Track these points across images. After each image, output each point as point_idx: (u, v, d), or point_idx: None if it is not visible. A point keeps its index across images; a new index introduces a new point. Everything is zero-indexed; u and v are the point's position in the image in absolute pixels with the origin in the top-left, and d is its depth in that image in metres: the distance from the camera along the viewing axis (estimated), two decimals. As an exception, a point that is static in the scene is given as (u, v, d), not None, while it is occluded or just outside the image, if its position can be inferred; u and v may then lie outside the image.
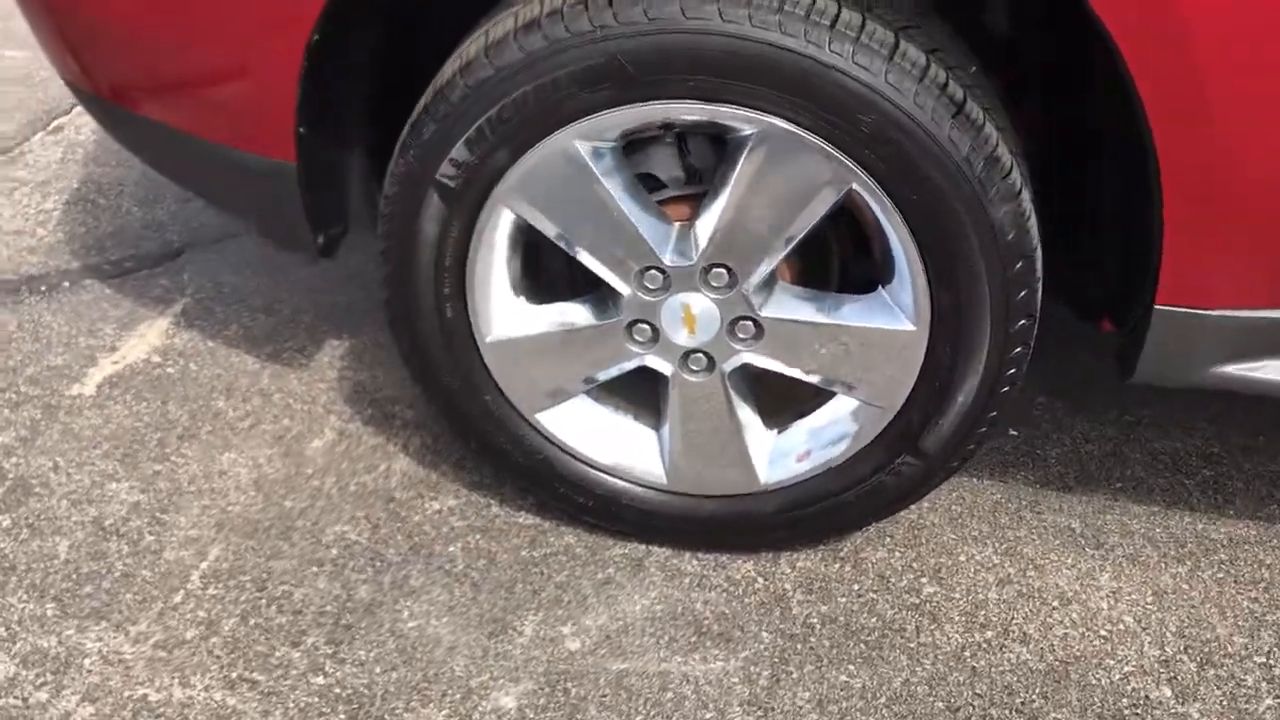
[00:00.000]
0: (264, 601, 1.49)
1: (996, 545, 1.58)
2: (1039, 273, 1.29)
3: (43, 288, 2.04)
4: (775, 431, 1.49)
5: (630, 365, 1.43)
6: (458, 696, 1.38)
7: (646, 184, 1.38)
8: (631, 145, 1.35)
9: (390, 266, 1.39)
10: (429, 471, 1.69)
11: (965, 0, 1.34)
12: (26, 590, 1.50)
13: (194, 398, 1.81)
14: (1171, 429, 1.77)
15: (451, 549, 1.57)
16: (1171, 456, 1.72)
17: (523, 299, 1.43)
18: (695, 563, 1.55)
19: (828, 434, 1.46)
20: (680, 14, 1.17)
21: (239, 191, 1.52)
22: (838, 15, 1.17)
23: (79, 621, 1.46)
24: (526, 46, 1.22)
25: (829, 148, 1.21)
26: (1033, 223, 1.26)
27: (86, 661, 1.41)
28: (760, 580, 1.53)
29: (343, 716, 1.35)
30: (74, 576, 1.52)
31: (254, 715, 1.35)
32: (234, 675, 1.40)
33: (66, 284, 2.05)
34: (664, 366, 1.43)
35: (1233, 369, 1.33)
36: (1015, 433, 1.76)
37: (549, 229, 1.34)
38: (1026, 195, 1.25)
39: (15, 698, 1.37)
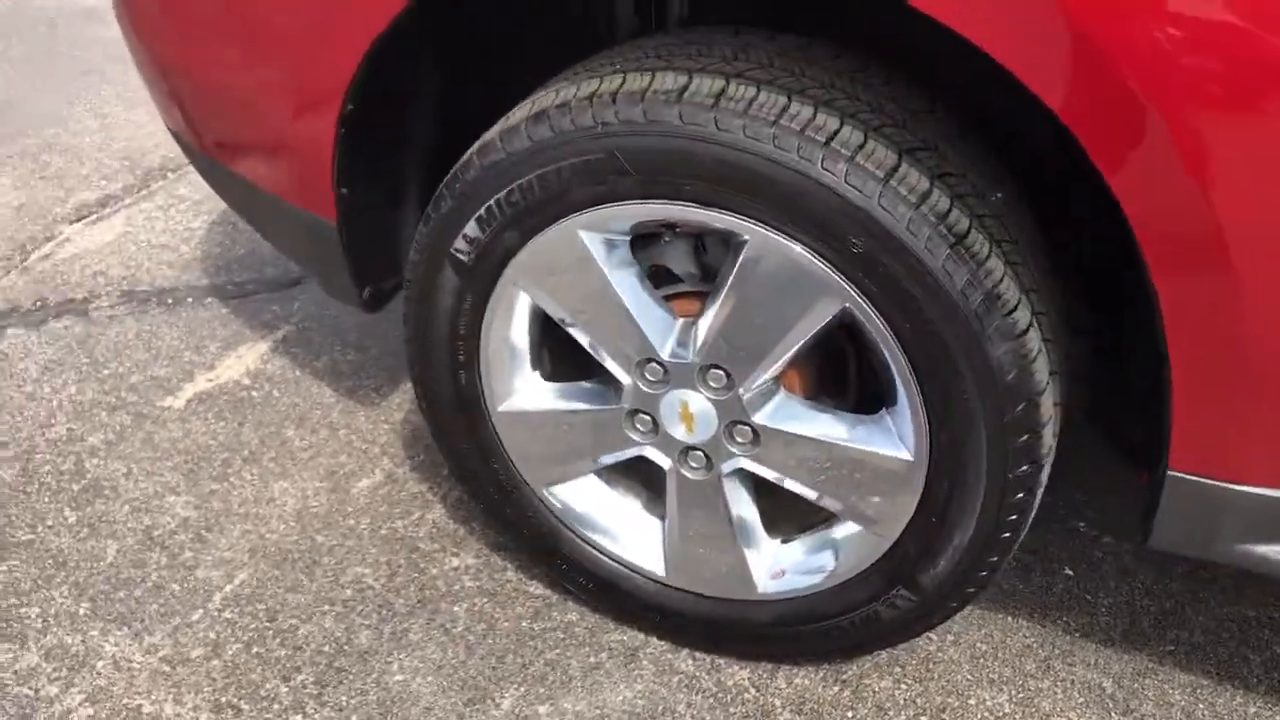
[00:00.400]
0: (270, 632, 1.56)
1: (1013, 693, 1.48)
2: (1046, 417, 1.20)
3: (169, 300, 2.20)
4: (779, 540, 1.44)
5: (630, 453, 1.42)
6: (417, 759, 1.40)
7: (665, 276, 1.37)
8: (651, 237, 1.35)
9: (410, 329, 1.43)
10: (458, 526, 1.72)
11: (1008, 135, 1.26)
12: (70, 587, 1.61)
13: (267, 423, 1.90)
14: (1246, 592, 1.61)
15: (457, 608, 1.59)
16: (1239, 624, 1.57)
17: (537, 374, 1.44)
18: (690, 662, 1.52)
19: (826, 552, 1.40)
20: (678, 119, 1.16)
21: (295, 242, 1.60)
22: (836, 132, 1.13)
23: (104, 624, 1.56)
24: (534, 135, 1.23)
25: (822, 264, 1.17)
26: (1040, 364, 1.17)
27: (99, 664, 1.51)
28: (752, 691, 1.48)
29: (305, 759, 1.39)
30: (113, 580, 1.62)
31: (226, 743, 1.41)
32: (223, 700, 1.47)
33: (190, 299, 2.20)
34: (663, 460, 1.41)
35: (1263, 550, 1.20)
36: (1070, 572, 1.64)
37: (554, 311, 1.35)
38: (1035, 335, 1.17)
39: (29, 688, 1.48)
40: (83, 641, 1.54)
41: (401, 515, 1.74)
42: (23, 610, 1.58)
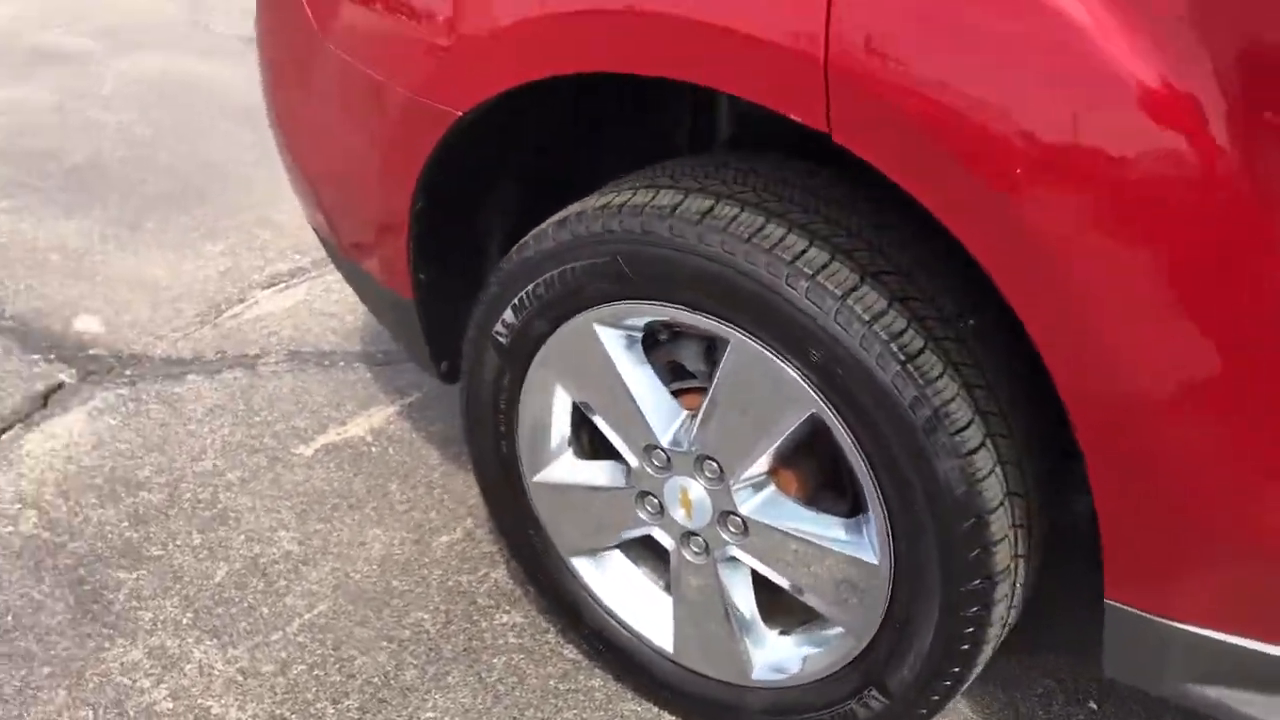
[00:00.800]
0: (332, 659, 1.75)
1: (1000, 815, 1.48)
2: (998, 535, 1.25)
3: (325, 362, 2.48)
4: (777, 631, 1.52)
5: (640, 532, 1.54)
6: (422, 788, 1.55)
7: (681, 371, 1.50)
8: (675, 335, 1.48)
9: (464, 399, 1.62)
10: (515, 587, 1.87)
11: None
12: (180, 598, 1.87)
13: (376, 476, 2.13)
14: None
15: (495, 660, 1.74)
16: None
17: (570, 450, 1.59)
18: (693, 737, 1.61)
19: (815, 648, 1.47)
20: (668, 231, 1.30)
21: (387, 318, 1.82)
22: (802, 252, 1.24)
23: (199, 634, 1.80)
24: (557, 237, 1.40)
25: (792, 371, 1.28)
26: (991, 483, 1.23)
27: (187, 667, 1.74)
28: (743, 773, 1.55)
29: (328, 773, 1.57)
30: (216, 597, 1.87)
31: (267, 749, 1.61)
32: (278, 712, 1.67)
33: (342, 362, 2.48)
34: (667, 541, 1.52)
35: (1214, 692, 1.20)
36: (1095, 707, 1.63)
37: (575, 395, 1.50)
38: (986, 455, 1.23)
39: (128, 678, 1.72)
40: (179, 646, 1.78)
41: (469, 571, 1.91)
42: (139, 613, 1.84)
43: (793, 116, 1.14)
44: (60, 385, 2.39)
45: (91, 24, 4.61)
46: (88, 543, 1.98)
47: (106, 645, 1.78)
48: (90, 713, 1.66)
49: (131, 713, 1.66)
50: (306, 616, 1.83)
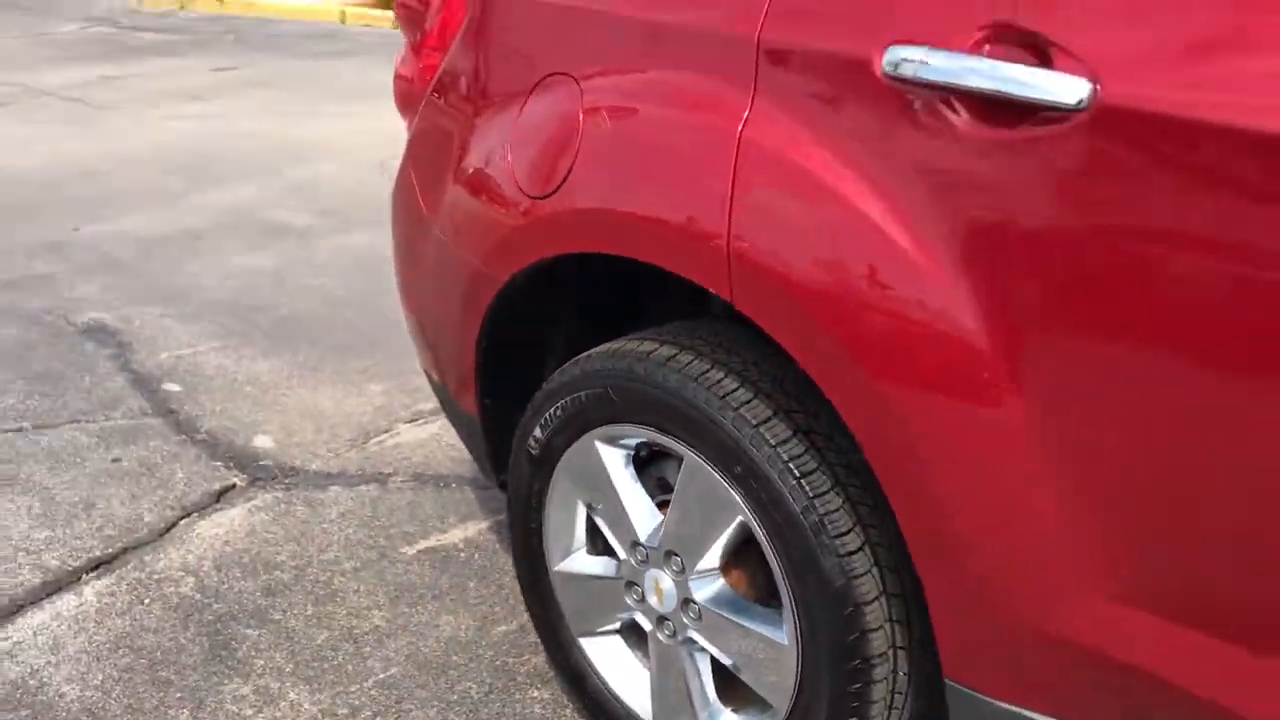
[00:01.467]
0: (393, 710, 2.16)
1: None
2: (873, 623, 1.57)
3: (440, 483, 2.96)
4: (730, 709, 1.85)
5: (627, 617, 1.91)
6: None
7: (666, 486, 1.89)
8: (658, 454, 1.88)
9: (508, 499, 2.05)
10: (549, 670, 2.25)
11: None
12: (287, 653, 2.33)
13: (460, 575, 2.56)
14: None
15: (520, 723, 2.12)
16: None
17: (583, 547, 1.99)
18: (663, 799, 1.93)
19: (753, 720, 1.80)
20: (643, 371, 1.72)
21: (462, 434, 2.29)
22: (732, 391, 1.64)
23: (295, 680, 2.24)
24: (573, 372, 1.85)
25: (722, 481, 1.66)
26: (867, 580, 1.56)
27: (282, 703, 2.18)
28: (698, 831, 1.86)
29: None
30: (315, 654, 2.32)
31: (326, 766, 2.01)
32: (342, 743, 2.08)
33: (454, 484, 2.96)
34: (646, 624, 1.89)
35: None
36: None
37: (584, 498, 1.92)
38: (863, 557, 1.56)
39: (236, 707, 2.18)
40: (279, 688, 2.23)
41: (515, 654, 2.30)
42: (254, 660, 2.30)
43: (711, 290, 1.56)
44: (232, 486, 2.95)
45: (318, 204, 5.46)
46: (227, 605, 2.47)
47: (225, 681, 2.25)
48: (202, 726, 2.12)
49: (232, 730, 2.11)
50: (381, 676, 2.25)
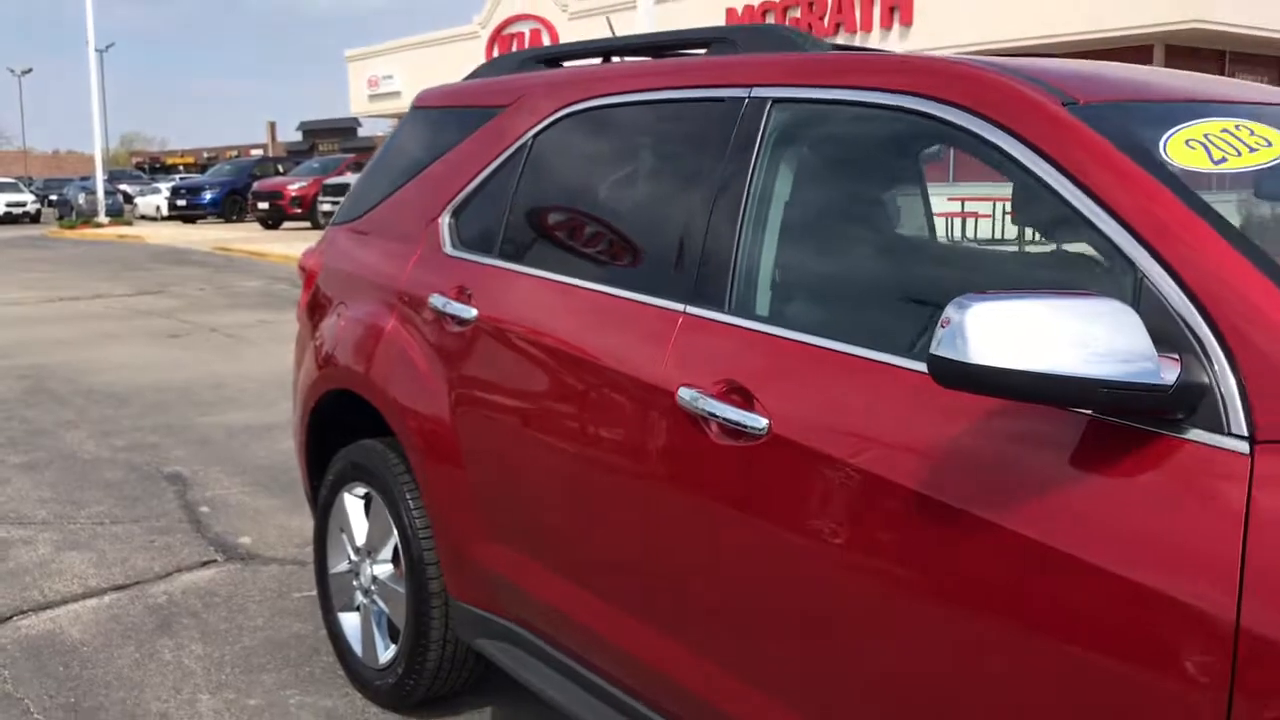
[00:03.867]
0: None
1: (458, 737, 3.21)
2: (433, 574, 3.13)
3: (341, 568, 4.60)
4: (394, 643, 3.40)
5: (354, 594, 3.51)
6: None
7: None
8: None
9: (315, 530, 3.71)
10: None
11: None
12: (215, 638, 3.96)
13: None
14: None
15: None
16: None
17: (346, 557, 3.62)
18: None
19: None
20: (365, 453, 3.40)
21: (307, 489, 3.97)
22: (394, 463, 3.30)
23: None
24: (339, 459, 3.55)
25: (381, 501, 3.29)
26: (430, 551, 3.15)
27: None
28: None
29: None
30: (228, 630, 3.94)
31: None
32: None
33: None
34: (360, 596, 3.48)
35: (481, 643, 2.98)
36: None
37: (339, 525, 3.58)
38: (425, 536, 3.15)
39: None
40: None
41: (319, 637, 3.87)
42: (189, 645, 3.94)
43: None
44: (214, 560, 4.66)
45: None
46: (190, 617, 4.14)
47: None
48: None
49: (154, 655, 3.75)
50: (248, 643, 3.86)
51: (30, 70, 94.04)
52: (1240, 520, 1.48)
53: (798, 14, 23.19)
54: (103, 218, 33.65)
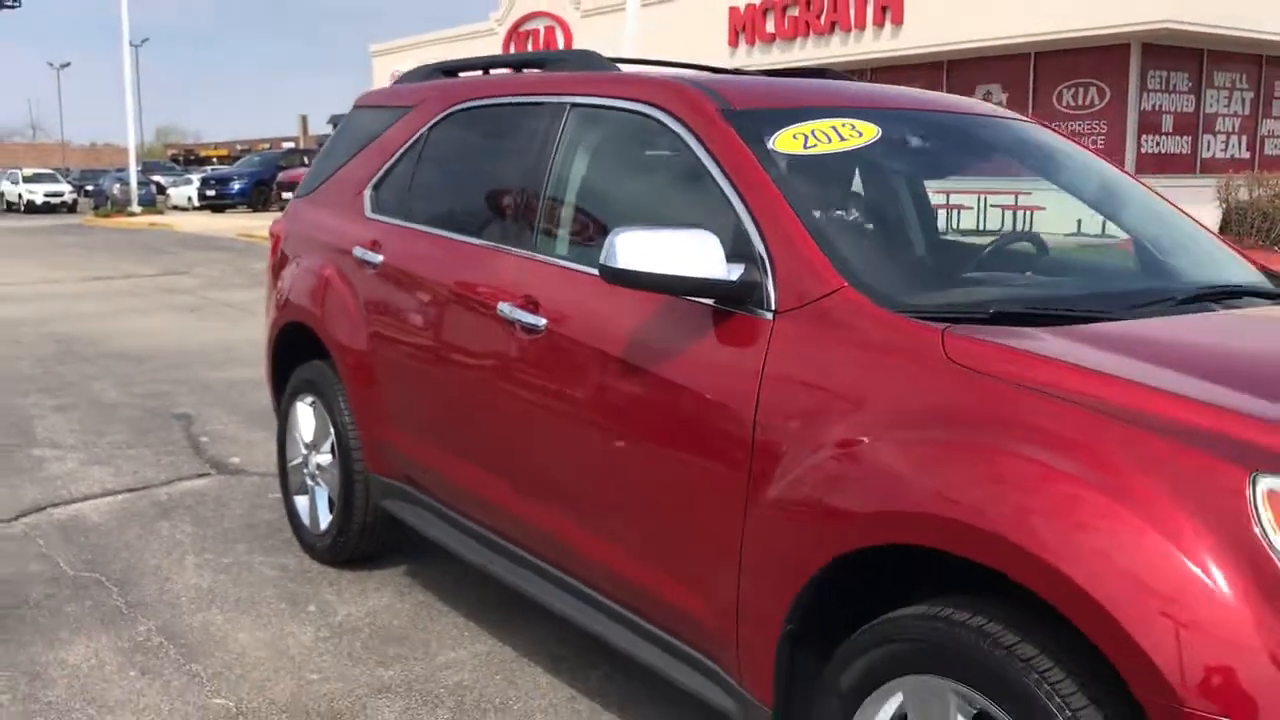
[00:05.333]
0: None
1: None
2: (357, 464, 4.19)
3: (310, 480, 5.68)
4: (331, 514, 4.47)
5: (304, 478, 4.59)
6: None
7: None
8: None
9: (278, 433, 4.78)
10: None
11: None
12: (208, 526, 5.04)
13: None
14: None
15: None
16: None
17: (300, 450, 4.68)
18: (310, 560, 4.52)
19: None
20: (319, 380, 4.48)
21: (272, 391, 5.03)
22: (327, 373, 4.36)
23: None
24: (293, 380, 4.62)
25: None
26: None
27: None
28: None
29: None
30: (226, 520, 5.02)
31: None
32: (196, 541, 4.76)
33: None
34: (309, 481, 4.55)
35: (389, 505, 4.04)
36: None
37: (297, 431, 4.65)
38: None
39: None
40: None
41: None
42: (180, 528, 5.03)
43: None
44: (208, 473, 5.75)
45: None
46: (183, 508, 5.23)
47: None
48: (143, 530, 4.86)
49: (154, 532, 4.84)
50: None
51: (68, 64, 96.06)
52: (762, 356, 2.50)
53: (796, 12, 24.13)
54: (135, 207, 35.06)
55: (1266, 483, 1.77)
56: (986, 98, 22.50)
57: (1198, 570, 1.77)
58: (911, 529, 2.09)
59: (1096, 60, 20.82)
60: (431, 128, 4.01)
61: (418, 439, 3.83)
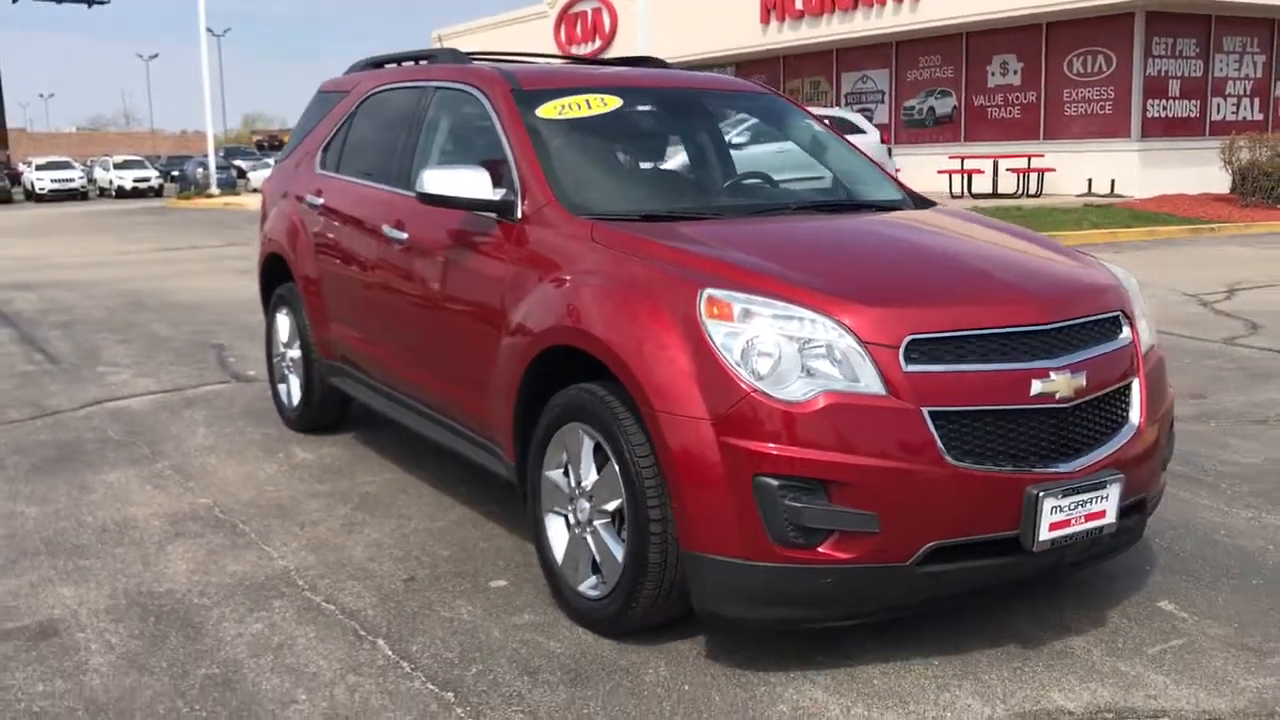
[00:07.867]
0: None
1: (331, 441, 5.85)
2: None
3: (305, 385, 7.28)
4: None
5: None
6: (222, 426, 6.20)
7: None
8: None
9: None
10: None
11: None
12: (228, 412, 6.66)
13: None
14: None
15: (264, 420, 6.36)
16: (391, 442, 5.75)
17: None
18: (288, 430, 6.11)
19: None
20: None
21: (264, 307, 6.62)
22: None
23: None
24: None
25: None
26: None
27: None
28: (290, 434, 6.03)
29: (206, 423, 6.26)
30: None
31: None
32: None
33: (308, 385, 7.27)
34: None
35: (337, 381, 5.59)
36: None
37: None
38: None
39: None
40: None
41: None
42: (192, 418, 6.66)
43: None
44: (229, 380, 7.39)
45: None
46: (218, 399, 6.86)
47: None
48: (170, 413, 6.50)
49: (178, 414, 6.48)
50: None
51: (156, 56, 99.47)
52: (512, 244, 3.99)
53: (822, -10, 25.25)
54: (214, 189, 37.37)
55: (707, 292, 3.20)
56: (1003, 67, 23.51)
57: (672, 339, 3.22)
58: (563, 337, 3.56)
59: (1103, 29, 21.69)
60: (358, 105, 5.54)
61: (345, 329, 5.37)
